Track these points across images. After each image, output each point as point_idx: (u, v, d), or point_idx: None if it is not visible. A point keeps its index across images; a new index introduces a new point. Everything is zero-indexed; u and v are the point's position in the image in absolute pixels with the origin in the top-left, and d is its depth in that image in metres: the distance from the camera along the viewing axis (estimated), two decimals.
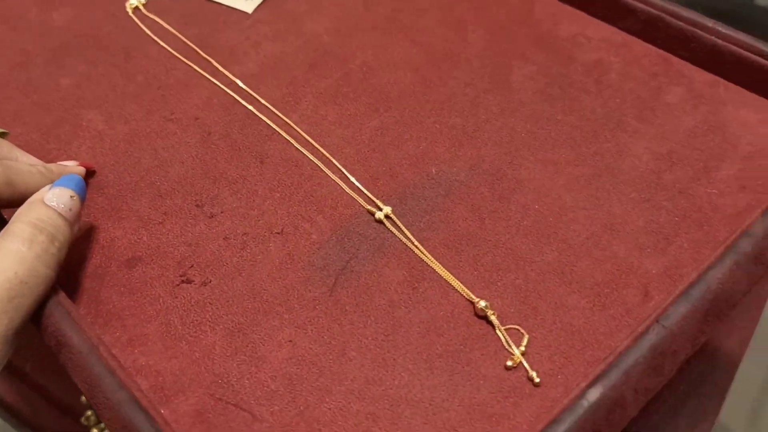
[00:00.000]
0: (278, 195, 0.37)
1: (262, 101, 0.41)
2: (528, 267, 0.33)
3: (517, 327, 0.31)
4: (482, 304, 0.31)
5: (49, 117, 0.42)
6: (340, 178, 0.37)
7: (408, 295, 0.32)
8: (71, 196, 0.32)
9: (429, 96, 0.41)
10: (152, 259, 0.34)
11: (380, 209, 0.35)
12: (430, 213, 0.35)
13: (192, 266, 0.34)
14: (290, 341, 0.31)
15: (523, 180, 0.36)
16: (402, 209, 0.36)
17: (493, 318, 0.31)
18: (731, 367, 0.50)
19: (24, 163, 0.34)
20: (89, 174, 0.38)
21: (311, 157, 0.38)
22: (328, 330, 0.31)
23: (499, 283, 0.32)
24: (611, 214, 0.35)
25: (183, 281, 0.33)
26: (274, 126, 0.40)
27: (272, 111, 0.41)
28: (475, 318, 0.31)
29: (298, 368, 0.30)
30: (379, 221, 0.35)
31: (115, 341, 0.31)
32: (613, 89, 0.41)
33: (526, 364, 0.30)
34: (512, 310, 0.32)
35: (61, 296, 0.31)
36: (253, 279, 0.33)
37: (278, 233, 0.35)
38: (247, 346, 0.31)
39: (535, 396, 0.29)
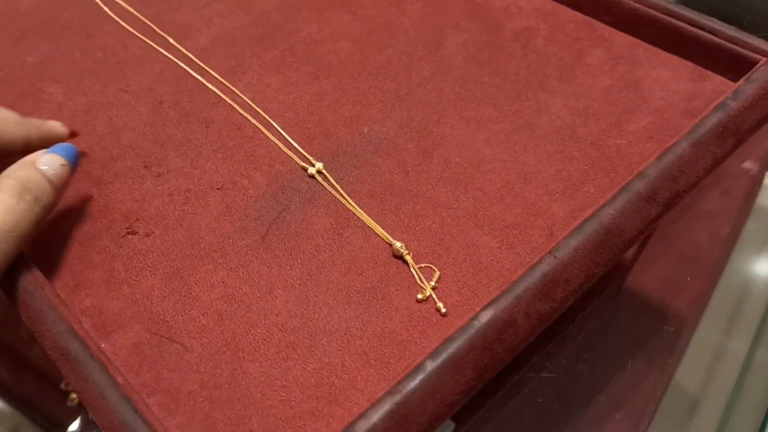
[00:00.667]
0: (220, 156, 0.40)
1: (212, 72, 0.44)
2: (444, 213, 0.36)
3: (429, 265, 0.34)
4: (398, 245, 0.34)
5: (13, 91, 0.45)
6: (278, 139, 0.40)
7: (333, 240, 0.35)
8: (62, 164, 0.34)
9: (366, 64, 0.44)
10: (101, 214, 0.37)
11: (313, 165, 0.38)
12: (359, 168, 0.38)
13: (137, 219, 0.37)
14: (222, 282, 0.34)
15: (447, 136, 0.39)
16: (334, 165, 0.38)
17: (408, 258, 0.34)
18: (682, 329, 0.53)
19: (3, 111, 0.36)
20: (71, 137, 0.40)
21: (253, 120, 0.41)
22: (257, 272, 0.34)
23: (417, 228, 0.35)
24: (526, 164, 0.37)
25: (128, 233, 0.36)
26: (221, 94, 0.43)
27: (220, 81, 0.44)
28: (393, 258, 0.34)
29: (227, 305, 0.33)
30: (312, 176, 0.38)
31: (62, 286, 0.34)
32: (539, 53, 0.43)
33: (435, 297, 0.32)
34: (427, 251, 0.34)
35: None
36: (193, 229, 0.36)
37: (218, 189, 0.38)
38: (183, 287, 0.34)
39: (441, 325, 0.31)
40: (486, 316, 0.29)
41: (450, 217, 0.35)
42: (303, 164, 0.39)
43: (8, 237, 0.31)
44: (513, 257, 0.34)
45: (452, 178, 0.37)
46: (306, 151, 0.39)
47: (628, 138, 0.38)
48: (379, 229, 0.35)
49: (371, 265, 0.34)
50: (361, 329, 0.32)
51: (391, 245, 0.34)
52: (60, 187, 0.34)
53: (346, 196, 0.37)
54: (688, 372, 0.55)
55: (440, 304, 0.32)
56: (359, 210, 0.36)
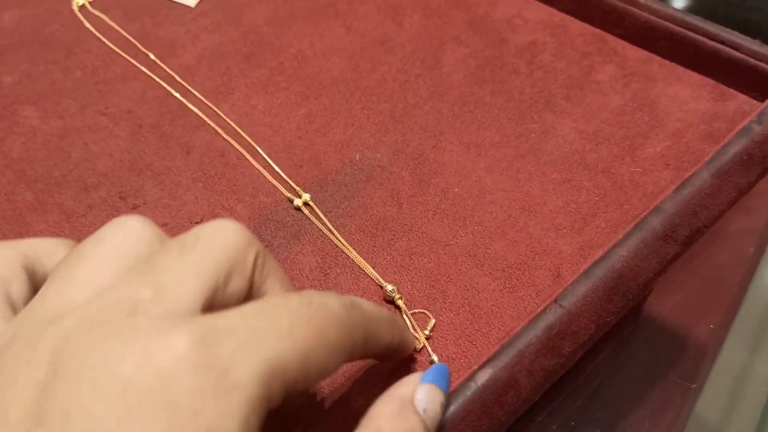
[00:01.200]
0: (201, 185, 0.37)
1: (195, 93, 0.42)
2: (441, 250, 0.33)
3: (424, 311, 0.31)
4: (389, 288, 0.31)
5: None
6: (263, 166, 0.37)
7: (319, 281, 0.32)
8: (441, 404, 0.24)
9: (360, 82, 0.41)
10: None
11: (299, 196, 0.35)
12: (350, 199, 0.35)
13: None
14: None
15: (445, 163, 0.36)
16: (322, 196, 0.35)
17: (400, 302, 0.31)
18: (702, 355, 0.49)
19: (369, 305, 0.23)
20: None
21: (237, 146, 0.38)
22: None
23: (410, 267, 0.32)
24: (530, 195, 0.34)
25: None
26: (204, 117, 0.40)
27: (204, 102, 0.41)
28: (384, 303, 0.31)
29: None
30: (298, 208, 0.35)
31: None
32: (545, 70, 0.40)
33: (428, 348, 0.29)
34: (421, 294, 0.31)
35: None
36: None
37: (197, 222, 0.35)
38: None
39: None
40: (484, 377, 0.26)
41: (447, 256, 0.32)
42: (289, 195, 0.36)
43: None
44: (515, 302, 0.30)
45: (450, 210, 0.34)
46: (293, 181, 0.36)
47: (642, 165, 0.35)
48: (369, 269, 0.32)
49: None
50: (364, 384, 0.29)
51: (382, 287, 0.31)
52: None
53: (335, 231, 0.34)
54: (711, 400, 0.51)
55: (434, 357, 0.29)
56: (348, 247, 0.33)
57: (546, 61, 0.41)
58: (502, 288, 0.31)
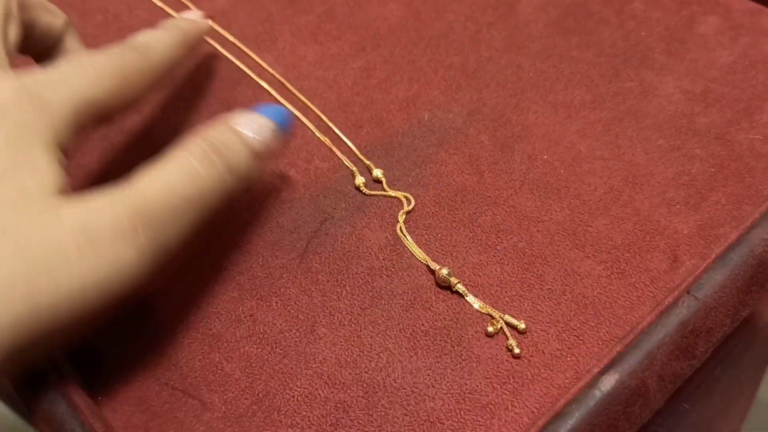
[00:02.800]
0: None
1: (234, 41, 0.36)
2: (534, 227, 0.28)
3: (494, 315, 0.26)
4: (444, 272, 0.26)
5: None
6: (317, 127, 0.32)
7: (391, 261, 0.27)
8: (270, 128, 0.26)
9: (423, 32, 0.36)
10: None
11: (362, 162, 0.30)
12: (421, 166, 0.30)
13: None
14: (251, 316, 0.26)
15: (530, 126, 0.31)
16: (388, 162, 0.31)
17: (460, 288, 0.26)
18: None
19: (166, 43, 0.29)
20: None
21: (286, 103, 0.33)
22: (295, 302, 0.27)
23: (498, 247, 0.27)
24: (634, 164, 0.29)
25: None
26: (246, 69, 0.35)
27: (244, 52, 0.36)
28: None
29: (258, 348, 0.26)
30: (361, 176, 0.30)
31: None
32: (637, 20, 0.35)
33: (506, 331, 0.25)
34: (513, 279, 0.27)
35: None
36: (212, 243, 0.29)
37: (245, 190, 0.30)
38: (201, 321, 0.26)
39: (539, 381, 0.24)
40: (609, 383, 0.22)
41: (540, 234, 0.28)
42: (349, 161, 0.31)
43: (188, 207, 0.23)
44: (627, 290, 0.26)
45: (540, 181, 0.29)
46: (352, 143, 0.31)
47: (762, 131, 0.30)
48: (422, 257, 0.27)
49: (441, 296, 0.26)
50: (433, 386, 0.24)
51: (433, 272, 0.27)
52: (264, 157, 0.26)
53: (406, 203, 0.29)
54: None
55: (512, 342, 0.24)
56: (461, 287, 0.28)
57: (638, 10, 0.35)
58: (609, 273, 0.26)
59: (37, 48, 0.29)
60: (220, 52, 0.36)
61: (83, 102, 0.24)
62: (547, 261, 0.27)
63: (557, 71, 0.33)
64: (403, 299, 0.26)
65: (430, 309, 0.26)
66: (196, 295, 0.27)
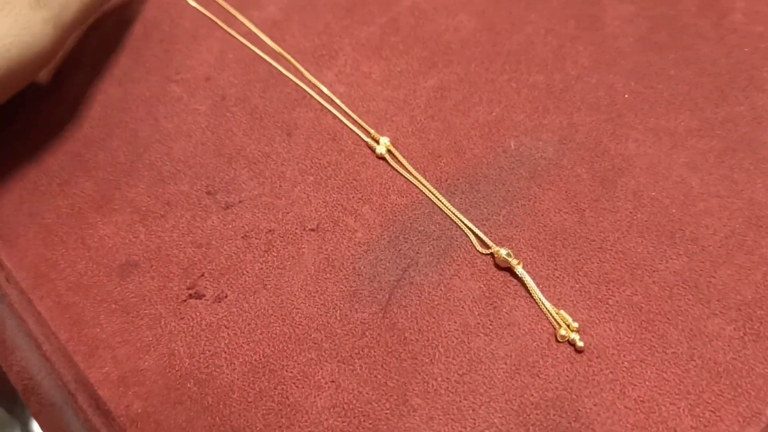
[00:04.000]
0: (312, 179, 0.29)
1: (288, 57, 0.33)
2: (648, 278, 0.25)
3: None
4: (571, 335, 0.23)
5: None
6: (390, 156, 0.29)
7: (488, 316, 0.24)
8: None
9: (500, 46, 0.32)
10: (152, 266, 0.27)
11: (442, 197, 0.27)
12: (511, 202, 0.27)
13: (202, 275, 0.26)
14: (332, 381, 0.23)
15: (632, 157, 0.28)
16: (474, 198, 0.27)
17: (575, 339, 0.23)
18: None
19: None
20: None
21: (352, 127, 0.30)
22: (382, 366, 0.23)
23: (610, 301, 0.24)
24: (755, 203, 0.26)
25: (191, 296, 0.26)
26: (305, 87, 0.32)
27: (302, 68, 0.32)
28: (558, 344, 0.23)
29: (343, 421, 0.22)
30: (444, 214, 0.27)
31: (102, 379, 0.24)
32: (739, 35, 0.31)
33: (576, 337, 0.22)
34: (631, 339, 0.23)
35: (32, 320, 0.23)
36: (282, 293, 0.25)
37: (313, 230, 0.27)
38: (276, 387, 0.23)
39: None
40: None
41: (657, 286, 0.24)
42: (430, 195, 0.28)
43: None
44: (765, 355, 0.23)
45: (650, 222, 0.26)
46: (431, 176, 0.28)
47: None
48: (545, 304, 0.24)
49: (551, 360, 0.23)
50: None
51: (569, 326, 0.23)
52: None
53: (497, 247, 0.26)
54: None
55: (575, 337, 0.21)
56: (520, 269, 0.25)
57: (738, 23, 0.32)
58: (742, 334, 0.23)
59: None
60: (275, 68, 0.32)
61: None
62: (668, 318, 0.24)
63: (655, 92, 0.30)
64: (506, 363, 0.23)
65: (538, 375, 0.23)
66: (268, 356, 0.24)
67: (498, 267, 0.25)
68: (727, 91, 0.29)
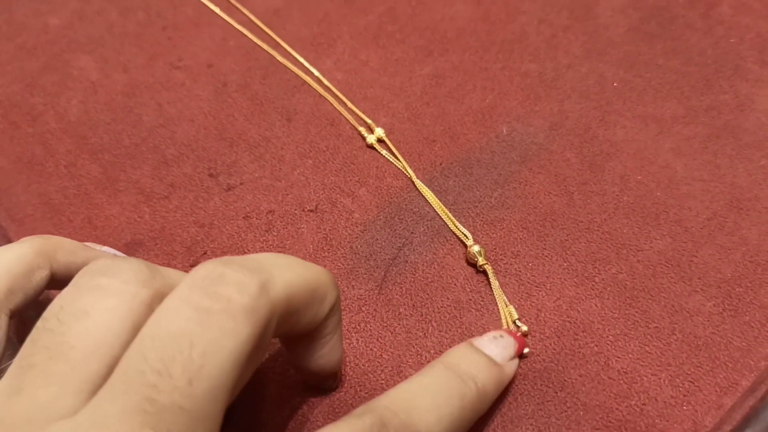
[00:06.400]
0: (310, 162, 0.30)
1: (286, 46, 0.34)
2: (633, 257, 0.26)
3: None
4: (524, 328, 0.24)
5: (34, 62, 0.35)
6: (383, 145, 0.30)
7: (479, 293, 0.25)
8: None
9: (494, 35, 0.33)
10: (156, 245, 0.28)
11: (434, 181, 0.28)
12: (503, 185, 0.28)
13: (205, 253, 0.27)
14: None
15: (619, 142, 0.29)
16: (467, 181, 0.28)
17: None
18: None
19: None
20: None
21: (349, 113, 0.31)
22: (378, 339, 0.25)
23: (596, 279, 0.25)
24: (736, 186, 0.27)
25: None
26: (303, 75, 0.33)
27: (300, 57, 0.33)
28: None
29: (341, 391, 0.23)
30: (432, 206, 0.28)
31: None
32: (726, 26, 0.32)
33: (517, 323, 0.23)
34: (616, 315, 0.24)
35: None
36: None
37: (311, 211, 0.28)
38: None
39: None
40: None
41: (642, 265, 0.25)
42: (418, 185, 0.29)
43: None
44: (742, 329, 0.24)
45: (636, 204, 0.27)
46: (426, 160, 0.29)
47: None
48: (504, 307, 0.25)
49: (537, 332, 0.24)
50: None
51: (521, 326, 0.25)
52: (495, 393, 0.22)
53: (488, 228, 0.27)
54: None
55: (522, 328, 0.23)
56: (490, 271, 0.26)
57: (725, 15, 0.33)
58: (721, 310, 0.24)
59: (283, 338, 0.22)
60: (274, 56, 0.33)
61: None
62: (652, 295, 0.25)
63: (644, 81, 0.31)
64: None
65: (526, 346, 0.24)
66: None
67: (467, 261, 0.26)
68: (713, 80, 0.31)
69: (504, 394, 0.23)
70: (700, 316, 0.24)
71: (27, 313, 0.20)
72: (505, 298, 0.25)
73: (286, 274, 0.18)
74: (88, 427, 0.15)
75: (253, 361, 0.18)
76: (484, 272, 0.25)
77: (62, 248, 0.21)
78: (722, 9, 0.33)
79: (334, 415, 0.23)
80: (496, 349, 0.22)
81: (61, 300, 0.17)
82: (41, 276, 0.20)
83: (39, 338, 0.17)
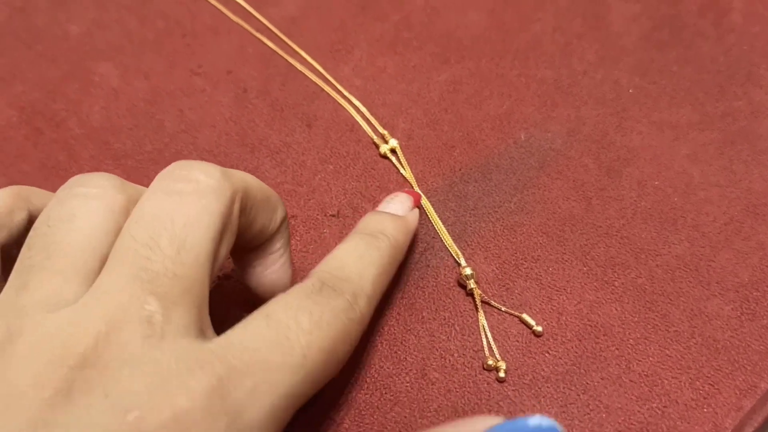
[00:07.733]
0: (331, 167, 0.30)
1: (304, 54, 0.34)
2: (652, 261, 0.26)
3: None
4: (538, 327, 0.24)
5: (55, 70, 0.35)
6: (405, 146, 0.30)
7: (501, 297, 0.26)
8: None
9: (509, 43, 0.34)
10: None
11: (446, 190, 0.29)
12: (522, 191, 0.29)
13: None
14: (355, 357, 0.25)
15: (636, 148, 0.29)
16: (487, 186, 0.29)
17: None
18: None
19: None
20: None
21: (369, 118, 0.31)
22: (402, 343, 0.25)
23: (616, 283, 0.26)
24: (752, 192, 0.28)
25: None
26: (321, 82, 0.33)
27: (319, 63, 0.34)
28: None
29: (366, 393, 0.24)
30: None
31: None
32: (737, 33, 0.33)
33: (497, 356, 0.23)
34: (637, 319, 0.25)
35: None
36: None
37: (333, 216, 0.28)
38: None
39: None
40: None
41: (660, 269, 0.26)
42: (424, 202, 0.29)
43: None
44: (760, 333, 0.24)
45: (654, 209, 0.27)
46: (445, 165, 0.30)
47: None
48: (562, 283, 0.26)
49: (560, 336, 0.25)
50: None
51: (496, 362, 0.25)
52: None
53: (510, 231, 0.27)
54: None
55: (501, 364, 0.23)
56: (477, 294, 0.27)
57: (736, 23, 0.33)
58: (739, 314, 0.25)
59: (239, 247, 0.23)
60: (292, 63, 0.34)
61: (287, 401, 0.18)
62: (671, 299, 0.25)
63: (658, 88, 0.31)
64: (518, 341, 0.25)
65: (548, 352, 0.24)
66: None
67: (458, 283, 0.26)
68: (726, 87, 0.31)
69: (535, 395, 0.23)
70: (719, 319, 0.25)
71: (11, 252, 0.21)
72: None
73: (244, 175, 0.21)
74: (95, 303, 0.17)
75: (225, 244, 0.20)
76: (472, 295, 0.25)
77: (35, 194, 0.22)
78: (733, 17, 0.34)
79: (360, 417, 0.23)
80: (395, 206, 0.26)
81: (48, 211, 0.19)
82: (21, 216, 0.22)
83: (34, 243, 0.19)
